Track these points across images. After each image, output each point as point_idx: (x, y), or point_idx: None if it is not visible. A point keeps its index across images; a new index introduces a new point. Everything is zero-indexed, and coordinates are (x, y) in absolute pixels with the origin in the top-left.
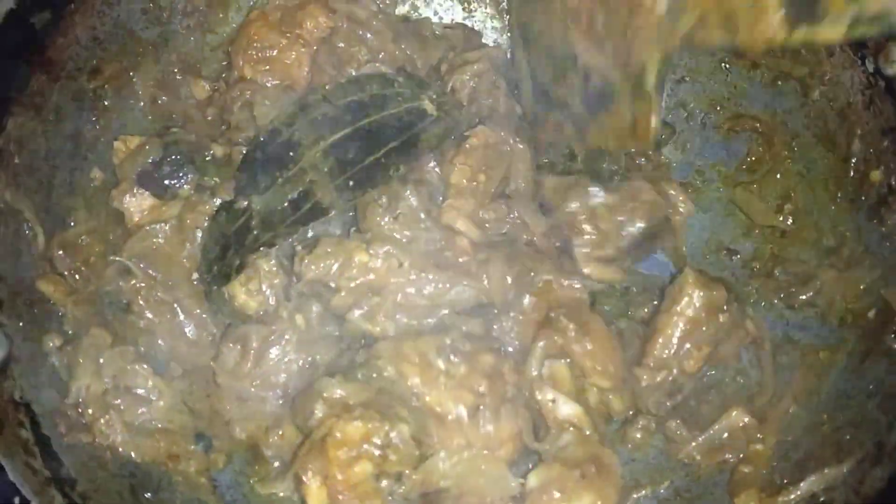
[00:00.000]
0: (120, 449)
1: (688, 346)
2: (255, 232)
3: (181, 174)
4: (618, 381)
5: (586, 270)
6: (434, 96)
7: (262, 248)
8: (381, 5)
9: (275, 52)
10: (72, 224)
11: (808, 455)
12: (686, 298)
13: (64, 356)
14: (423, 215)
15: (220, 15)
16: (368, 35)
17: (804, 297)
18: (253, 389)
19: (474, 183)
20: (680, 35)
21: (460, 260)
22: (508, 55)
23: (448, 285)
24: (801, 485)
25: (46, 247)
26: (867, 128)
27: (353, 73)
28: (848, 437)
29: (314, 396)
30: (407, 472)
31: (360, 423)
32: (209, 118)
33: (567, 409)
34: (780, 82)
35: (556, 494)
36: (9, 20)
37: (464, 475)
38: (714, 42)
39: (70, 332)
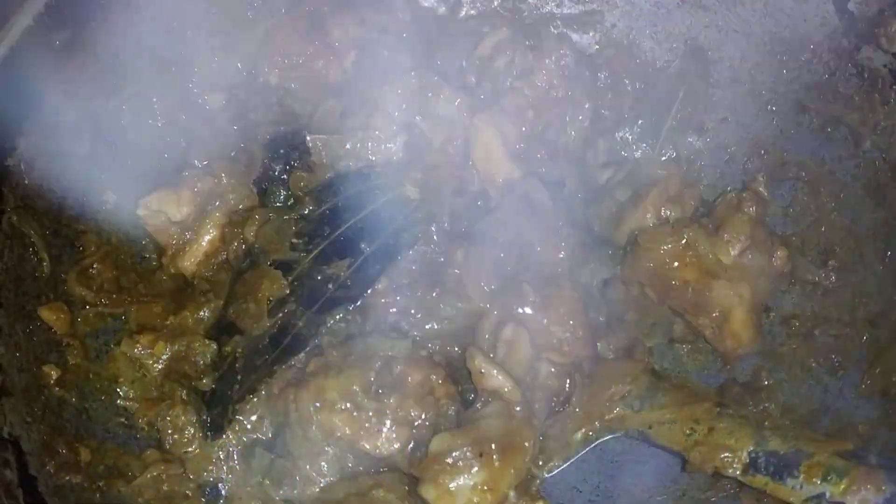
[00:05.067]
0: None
1: None
2: (240, 377)
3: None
4: (576, 357)
5: (649, 211)
6: (419, 176)
7: (248, 397)
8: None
9: (301, 60)
10: (80, 248)
11: None
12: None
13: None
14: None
15: (248, 34)
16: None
17: (844, 364)
18: None
19: (521, 117)
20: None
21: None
22: None
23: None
24: None
25: (52, 273)
26: None
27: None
28: None
29: None
30: None
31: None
32: (220, 126)
33: (495, 381)
34: (829, 128)
35: (448, 463)
36: (27, 38)
37: None
38: None
39: (70, 362)
